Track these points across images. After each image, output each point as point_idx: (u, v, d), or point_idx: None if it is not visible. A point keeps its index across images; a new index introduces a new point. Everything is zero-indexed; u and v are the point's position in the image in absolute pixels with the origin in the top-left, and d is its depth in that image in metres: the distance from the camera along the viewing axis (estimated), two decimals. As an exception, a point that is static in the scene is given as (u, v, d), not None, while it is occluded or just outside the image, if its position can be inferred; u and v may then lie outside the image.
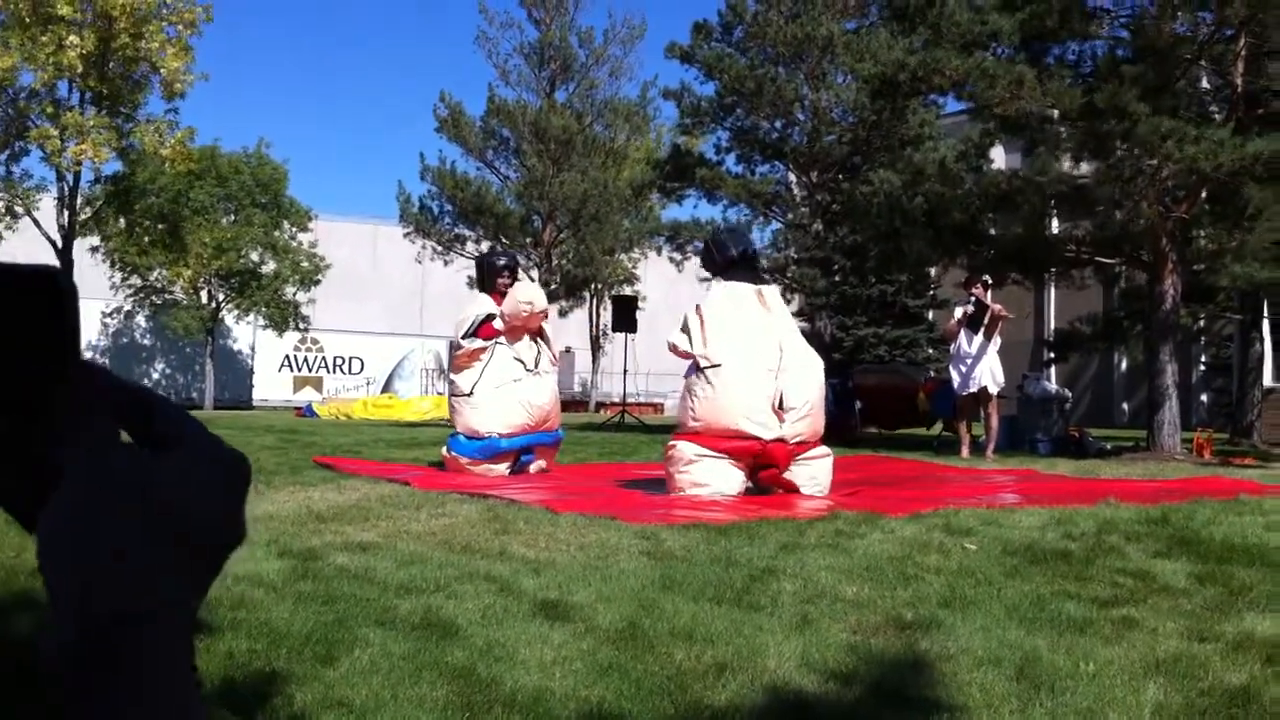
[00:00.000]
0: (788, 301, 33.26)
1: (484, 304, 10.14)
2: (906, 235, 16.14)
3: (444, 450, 10.32)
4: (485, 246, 34.61)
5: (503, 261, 10.63)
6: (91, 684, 0.53)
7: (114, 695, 0.54)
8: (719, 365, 8.11)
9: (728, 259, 8.60)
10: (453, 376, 10.24)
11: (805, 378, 8.22)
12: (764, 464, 8.15)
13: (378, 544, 5.74)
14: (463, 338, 9.97)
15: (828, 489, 8.38)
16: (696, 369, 8.25)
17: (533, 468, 10.13)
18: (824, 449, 8.42)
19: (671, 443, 8.31)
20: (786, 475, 8.24)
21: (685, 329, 8.40)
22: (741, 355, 8.16)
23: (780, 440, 8.09)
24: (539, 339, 10.23)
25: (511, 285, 10.31)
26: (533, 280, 28.09)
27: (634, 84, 37.99)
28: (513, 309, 9.94)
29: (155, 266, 32.23)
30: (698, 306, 8.50)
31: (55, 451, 0.55)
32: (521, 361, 9.99)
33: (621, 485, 9.25)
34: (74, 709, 0.54)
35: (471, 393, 9.91)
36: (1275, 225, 13.39)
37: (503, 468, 9.96)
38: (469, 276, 35.23)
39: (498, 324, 9.93)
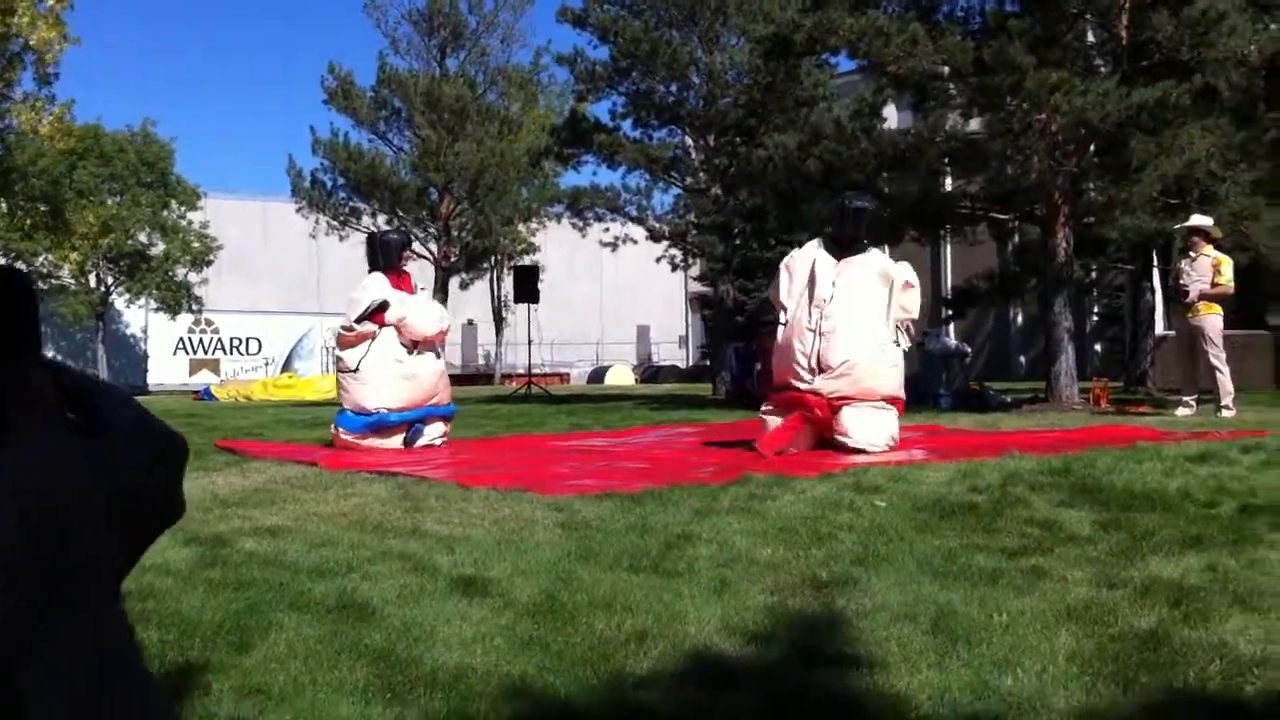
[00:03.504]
0: (687, 266, 33.39)
1: (379, 286, 10.07)
2: (805, 197, 16.22)
3: (331, 429, 10.32)
4: (382, 220, 34.13)
5: (402, 239, 11.03)
6: (16, 639, 0.56)
7: (38, 649, 0.56)
8: (785, 323, 8.90)
9: (828, 232, 9.35)
10: (339, 353, 10.27)
11: (848, 340, 8.64)
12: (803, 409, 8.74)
13: (287, 527, 5.64)
14: (356, 320, 9.93)
15: (884, 441, 8.70)
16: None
17: (424, 438, 10.17)
18: (879, 404, 8.73)
19: None
20: (839, 429, 8.68)
21: (779, 280, 9.16)
22: (797, 312, 8.82)
23: (813, 392, 8.62)
24: None
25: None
26: (432, 254, 27.75)
27: (526, 50, 37.45)
28: (422, 329, 10.10)
29: (40, 251, 31.30)
30: (785, 261, 9.27)
31: (6, 425, 0.59)
32: (404, 344, 10.08)
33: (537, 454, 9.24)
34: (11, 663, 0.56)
35: (357, 369, 9.95)
36: (1160, 176, 13.68)
37: (395, 441, 10.00)
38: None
39: (389, 315, 9.92)
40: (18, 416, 0.60)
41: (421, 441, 10.11)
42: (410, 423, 10.10)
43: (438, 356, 10.40)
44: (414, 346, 10.07)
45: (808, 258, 9.08)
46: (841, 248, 9.11)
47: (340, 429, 10.05)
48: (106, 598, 0.60)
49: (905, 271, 9.09)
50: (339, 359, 10.22)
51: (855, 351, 8.64)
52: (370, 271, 10.32)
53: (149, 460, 0.63)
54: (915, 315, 9.07)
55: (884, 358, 8.78)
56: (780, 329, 9.05)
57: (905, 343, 9.02)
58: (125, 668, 0.60)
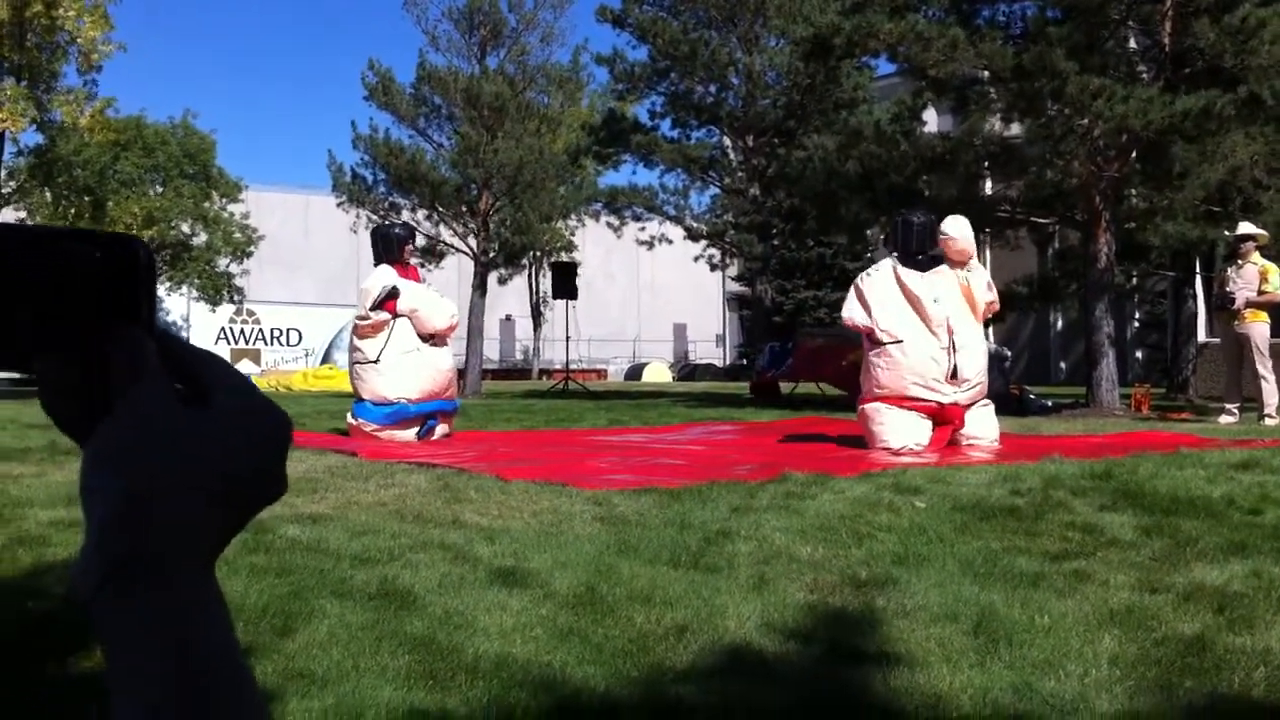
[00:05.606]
0: (725, 266, 33.35)
1: (388, 275, 10.18)
2: (843, 198, 16.20)
3: (349, 418, 10.33)
4: (421, 215, 34.23)
5: (405, 233, 10.90)
6: (106, 622, 0.56)
7: (126, 634, 0.56)
8: (900, 340, 9.07)
9: (902, 251, 9.54)
10: (356, 343, 10.26)
11: (971, 351, 9.22)
12: (940, 422, 9.14)
13: (329, 515, 5.67)
14: (371, 309, 10.00)
15: (997, 435, 9.42)
16: (875, 343, 9.19)
17: (437, 433, 10.28)
18: (986, 402, 9.51)
19: (862, 406, 9.33)
20: (963, 431, 9.34)
21: (863, 303, 9.32)
22: (917, 332, 9.10)
23: (955, 404, 9.13)
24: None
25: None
26: (471, 249, 27.86)
27: (566, 49, 37.48)
28: (434, 322, 10.15)
29: (83, 241, 31.59)
30: (861, 284, 9.44)
31: (113, 394, 0.59)
32: (420, 336, 10.18)
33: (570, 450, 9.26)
34: (103, 643, 0.57)
35: (378, 360, 10.01)
36: (1202, 183, 13.56)
37: (410, 433, 10.07)
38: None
39: (400, 304, 10.00)
40: (123, 385, 0.60)
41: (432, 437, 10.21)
42: (425, 415, 10.17)
43: (450, 351, 10.50)
44: (428, 339, 10.14)
45: (888, 279, 9.32)
46: (919, 263, 9.43)
47: (360, 419, 10.09)
48: (202, 581, 0.60)
49: (981, 272, 9.70)
50: (357, 350, 10.22)
51: (982, 360, 9.39)
52: (376, 265, 10.39)
53: (254, 436, 0.63)
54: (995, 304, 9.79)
55: (986, 359, 9.64)
56: (892, 346, 9.14)
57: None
58: (220, 663, 0.60)
